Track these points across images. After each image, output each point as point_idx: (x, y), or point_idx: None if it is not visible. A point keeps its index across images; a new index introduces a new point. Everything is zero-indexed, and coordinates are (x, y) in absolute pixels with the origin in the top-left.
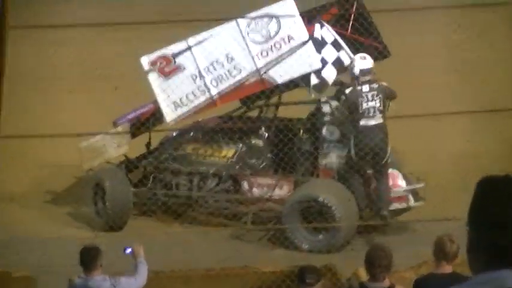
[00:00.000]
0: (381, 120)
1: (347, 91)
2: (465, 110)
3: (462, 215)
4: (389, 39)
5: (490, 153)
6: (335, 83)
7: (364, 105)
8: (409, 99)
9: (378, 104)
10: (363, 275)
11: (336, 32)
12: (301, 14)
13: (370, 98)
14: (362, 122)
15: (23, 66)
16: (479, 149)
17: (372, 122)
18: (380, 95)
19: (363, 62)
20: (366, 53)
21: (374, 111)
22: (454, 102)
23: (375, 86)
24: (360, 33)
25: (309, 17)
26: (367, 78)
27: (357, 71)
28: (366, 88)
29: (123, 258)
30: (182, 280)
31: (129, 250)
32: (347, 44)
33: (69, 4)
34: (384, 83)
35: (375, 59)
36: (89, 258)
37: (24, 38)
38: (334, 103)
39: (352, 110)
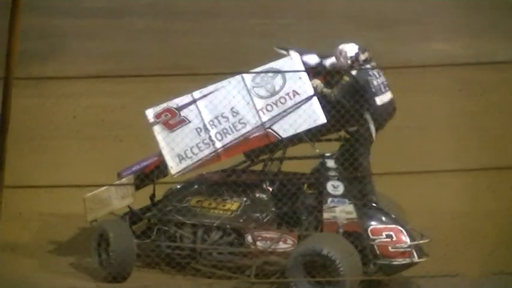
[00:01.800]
0: (391, 95)
1: (353, 73)
2: (464, 168)
3: (466, 271)
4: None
5: (491, 212)
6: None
7: (375, 82)
8: (410, 156)
9: (384, 79)
10: None
11: None
12: (306, 69)
13: (377, 74)
14: (378, 101)
15: (25, 118)
16: (480, 207)
17: (386, 98)
18: (381, 71)
19: (351, 46)
20: None
21: (384, 87)
22: (454, 160)
23: (373, 63)
24: None
25: (315, 73)
26: (364, 57)
27: (351, 54)
28: (368, 66)
29: None
30: None
31: None
32: None
33: (72, 56)
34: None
35: None
36: None
37: (26, 89)
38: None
39: (363, 90)
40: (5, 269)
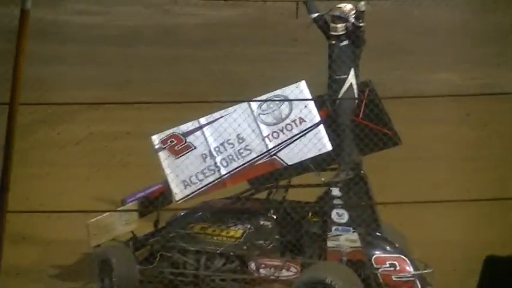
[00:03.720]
0: None
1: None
2: (471, 198)
3: None
4: (400, 126)
5: (496, 242)
6: None
7: None
8: (417, 186)
9: None
10: None
11: None
12: (312, 98)
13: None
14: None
15: (30, 142)
16: (485, 237)
17: None
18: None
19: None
20: (376, 140)
21: None
22: (461, 190)
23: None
24: (370, 119)
25: (320, 102)
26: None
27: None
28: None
29: None
30: None
31: None
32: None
33: (77, 82)
34: None
35: (385, 146)
36: None
37: (32, 113)
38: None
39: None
40: None
